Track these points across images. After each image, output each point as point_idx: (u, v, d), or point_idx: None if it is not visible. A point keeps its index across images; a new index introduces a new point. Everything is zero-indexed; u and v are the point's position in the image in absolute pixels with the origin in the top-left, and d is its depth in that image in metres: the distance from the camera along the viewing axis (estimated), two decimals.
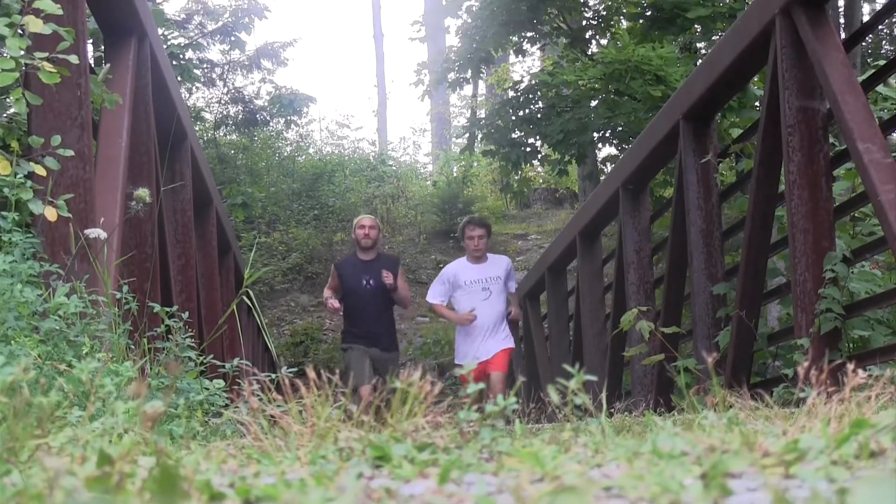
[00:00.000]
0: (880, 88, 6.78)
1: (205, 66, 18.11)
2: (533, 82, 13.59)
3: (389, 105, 33.91)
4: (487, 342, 8.20)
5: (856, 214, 7.15)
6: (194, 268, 7.41)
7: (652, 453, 1.75)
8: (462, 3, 14.84)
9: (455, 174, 21.44)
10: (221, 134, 20.32)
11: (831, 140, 5.90)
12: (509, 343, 8.36)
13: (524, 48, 14.49)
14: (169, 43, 14.92)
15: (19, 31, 3.74)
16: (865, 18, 14.16)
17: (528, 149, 13.68)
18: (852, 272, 5.52)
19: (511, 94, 14.01)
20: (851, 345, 5.98)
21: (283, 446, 2.14)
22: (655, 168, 8.56)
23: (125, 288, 4.00)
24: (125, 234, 5.20)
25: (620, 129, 12.56)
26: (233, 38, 17.33)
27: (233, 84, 19.02)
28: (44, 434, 1.92)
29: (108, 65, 5.20)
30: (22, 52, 3.72)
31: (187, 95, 18.23)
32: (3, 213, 3.81)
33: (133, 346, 3.84)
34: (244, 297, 4.33)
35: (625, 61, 11.93)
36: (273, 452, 2.09)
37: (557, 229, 16.27)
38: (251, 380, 2.60)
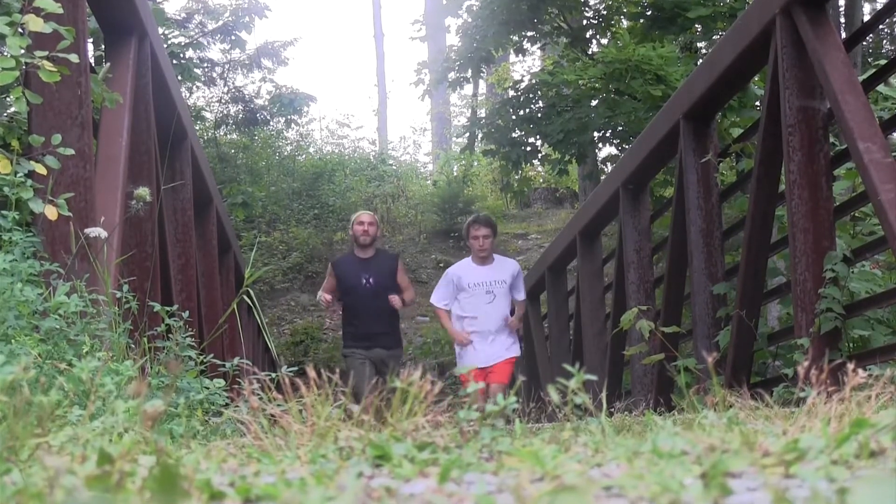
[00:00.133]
0: (881, 88, 6.78)
1: (205, 65, 18.11)
2: (533, 82, 13.59)
3: (390, 104, 33.91)
4: (490, 348, 7.74)
5: (856, 214, 7.15)
6: (194, 267, 7.41)
7: (652, 453, 1.75)
8: (462, 3, 14.84)
9: (455, 173, 21.44)
10: (222, 133, 20.32)
11: (832, 140, 5.90)
12: (514, 351, 7.88)
13: (524, 47, 14.49)
14: (169, 42, 14.92)
15: (20, 29, 3.74)
16: (866, 18, 14.16)
17: (529, 148, 13.68)
18: (852, 272, 5.52)
19: (511, 93, 14.01)
20: (851, 344, 5.98)
21: (284, 445, 2.14)
22: (656, 168, 8.56)
23: (125, 287, 4.00)
24: (125, 233, 5.20)
25: (621, 128, 12.56)
26: (233, 38, 17.32)
27: (233, 83, 19.03)
28: (44, 433, 1.92)
29: (109, 64, 5.20)
30: (22, 51, 3.72)
31: (187, 94, 18.23)
32: (4, 211, 3.81)
33: (133, 345, 3.84)
34: (244, 297, 4.33)
35: (625, 61, 11.93)
36: (273, 451, 2.09)
37: (557, 229, 16.27)
38: (251, 379, 2.60)
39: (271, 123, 20.09)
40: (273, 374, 2.86)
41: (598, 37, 14.30)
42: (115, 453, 1.53)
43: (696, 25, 12.42)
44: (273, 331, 15.95)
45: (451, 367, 13.26)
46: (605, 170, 14.16)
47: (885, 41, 17.89)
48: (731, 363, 6.18)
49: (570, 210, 19.44)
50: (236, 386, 3.23)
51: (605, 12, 14.12)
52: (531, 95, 13.45)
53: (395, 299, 7.97)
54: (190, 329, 4.15)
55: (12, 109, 5.50)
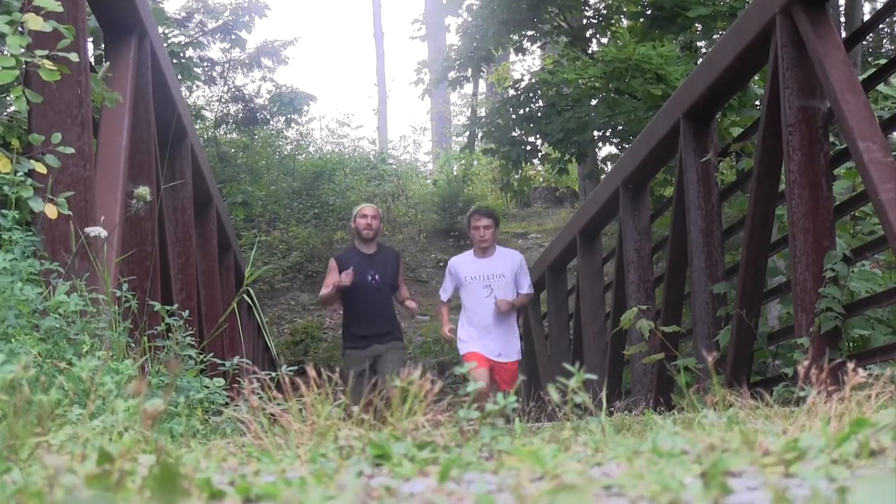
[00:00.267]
0: (881, 87, 6.78)
1: (205, 64, 18.11)
2: (533, 81, 13.59)
3: (390, 103, 33.87)
4: (492, 344, 7.57)
5: (856, 213, 7.15)
6: (194, 266, 7.40)
7: (652, 452, 1.75)
8: (462, 2, 14.84)
9: (455, 173, 21.45)
10: (222, 132, 20.32)
11: (832, 139, 5.90)
12: (515, 354, 7.68)
13: (524, 47, 14.50)
14: (169, 41, 14.92)
15: (20, 28, 3.74)
16: (866, 17, 14.16)
17: (529, 147, 13.69)
18: (852, 271, 5.52)
19: (511, 92, 14.01)
20: (851, 344, 5.98)
21: (284, 444, 2.14)
22: (656, 167, 8.56)
23: (125, 286, 4.00)
24: (125, 232, 5.19)
25: (621, 127, 12.57)
26: (233, 37, 17.32)
27: (233, 82, 19.03)
28: (44, 432, 1.92)
29: (109, 63, 5.20)
30: (22, 50, 3.72)
31: (188, 94, 18.23)
32: (4, 210, 3.81)
33: (133, 345, 3.84)
34: (244, 296, 4.33)
35: (625, 60, 11.93)
36: (273, 451, 2.09)
37: (557, 228, 16.27)
38: (251, 378, 2.60)
39: (271, 123, 20.09)
40: (273, 374, 2.86)
41: (598, 36, 14.31)
42: (114, 452, 1.53)
43: (696, 25, 12.42)
44: (273, 330, 15.95)
45: (451, 367, 13.27)
46: (605, 169, 14.16)
47: (885, 40, 17.89)
48: (731, 362, 6.18)
49: (570, 209, 19.44)
50: (236, 385, 3.23)
51: (605, 11, 14.13)
52: (531, 94, 13.46)
53: (412, 307, 7.89)
54: (190, 328, 4.15)
55: (12, 108, 5.50)
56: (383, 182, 20.81)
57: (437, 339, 15.26)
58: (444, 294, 7.90)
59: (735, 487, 1.44)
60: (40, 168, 3.93)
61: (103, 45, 6.08)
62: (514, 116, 13.49)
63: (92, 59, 6.39)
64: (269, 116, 19.30)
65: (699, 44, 13.06)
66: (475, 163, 21.38)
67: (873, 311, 6.06)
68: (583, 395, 2.04)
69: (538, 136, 13.37)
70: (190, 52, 16.63)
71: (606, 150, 14.39)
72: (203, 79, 18.03)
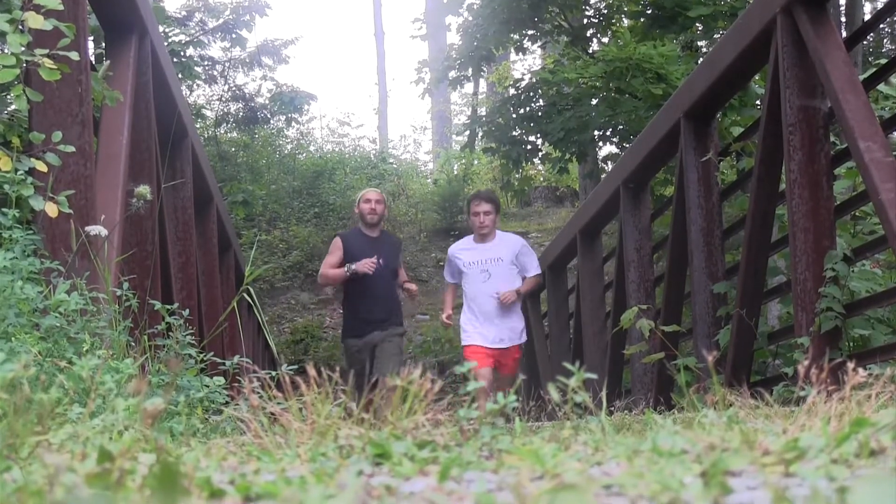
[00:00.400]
0: (881, 87, 6.78)
1: (206, 63, 18.11)
2: (534, 80, 13.59)
3: (390, 103, 33.85)
4: (493, 330, 7.49)
5: (856, 213, 7.15)
6: (195, 265, 7.40)
7: (652, 451, 1.75)
8: (463, 1, 14.85)
9: (456, 172, 21.45)
10: (222, 131, 20.33)
11: (832, 139, 5.90)
12: (519, 338, 7.60)
13: (525, 46, 14.50)
14: (170, 40, 14.92)
15: (20, 27, 3.74)
16: (867, 17, 14.16)
17: (529, 147, 13.69)
18: (853, 271, 5.52)
19: (512, 91, 14.01)
20: (852, 343, 5.98)
21: (284, 444, 2.14)
22: (656, 166, 8.56)
23: (125, 285, 4.00)
24: (126, 231, 5.19)
25: (621, 127, 12.56)
26: (234, 36, 17.32)
27: (234, 81, 19.03)
28: (44, 430, 1.92)
29: (109, 61, 5.20)
30: (23, 49, 3.72)
31: (188, 93, 18.23)
32: (4, 209, 3.81)
33: (133, 344, 3.84)
34: (245, 295, 4.33)
35: (626, 59, 11.93)
36: (273, 450, 2.09)
37: (558, 227, 16.26)
38: (251, 377, 2.60)
39: (272, 122, 20.10)
40: (273, 373, 2.86)
41: (598, 35, 14.30)
42: (115, 451, 1.53)
43: (697, 24, 12.42)
44: (273, 329, 15.95)
45: (451, 366, 13.26)
46: (606, 168, 14.16)
47: (885, 40, 17.88)
48: (731, 362, 6.18)
49: (570, 209, 19.44)
50: (236, 384, 3.23)
51: (605, 11, 14.13)
52: (532, 94, 13.45)
53: (412, 289, 7.79)
54: (190, 327, 4.15)
55: (13, 107, 5.50)
56: (384, 181, 20.81)
57: (437, 339, 15.26)
58: (450, 277, 7.81)
59: (735, 487, 1.44)
60: (41, 166, 3.93)
61: (104, 44, 6.08)
62: (514, 116, 13.49)
63: (92, 58, 6.39)
64: (269, 115, 19.30)
65: (700, 43, 13.06)
66: (475, 162, 21.39)
67: (873, 310, 6.06)
68: (583, 395, 2.04)
69: (539, 135, 13.37)
70: (190, 51, 16.64)
71: (607, 149, 14.39)
72: (203, 78, 18.03)
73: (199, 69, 16.81)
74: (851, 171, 6.53)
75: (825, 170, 5.46)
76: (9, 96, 5.50)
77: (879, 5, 17.37)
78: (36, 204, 3.89)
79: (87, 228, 4.10)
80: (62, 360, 3.10)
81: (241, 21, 17.15)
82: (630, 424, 3.95)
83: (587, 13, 14.12)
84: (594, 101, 12.83)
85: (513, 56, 19.01)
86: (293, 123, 20.98)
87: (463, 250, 7.72)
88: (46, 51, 3.75)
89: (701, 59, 11.05)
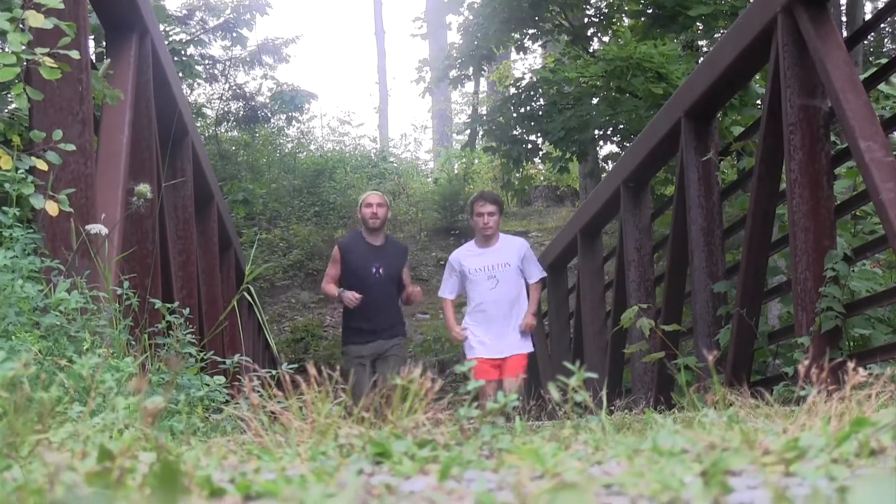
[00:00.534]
0: (882, 87, 6.77)
1: (206, 62, 18.12)
2: (534, 79, 13.59)
3: (391, 102, 33.89)
4: (499, 341, 7.18)
5: (857, 213, 7.15)
6: (195, 264, 7.40)
7: (652, 451, 1.75)
8: (464, 0, 14.85)
9: (456, 171, 21.45)
10: (223, 130, 20.33)
11: (833, 138, 5.90)
12: (526, 347, 7.26)
13: (526, 45, 14.50)
14: (170, 39, 14.91)
15: (21, 26, 3.74)
16: (867, 17, 14.15)
17: (530, 146, 13.69)
18: (853, 270, 5.52)
19: (512, 91, 14.01)
20: (852, 343, 5.98)
21: (284, 442, 2.14)
22: (657, 166, 8.56)
23: (126, 284, 4.00)
24: (126, 229, 5.19)
25: (622, 126, 12.56)
26: (234, 35, 17.32)
27: (234, 80, 19.03)
28: (44, 429, 1.92)
29: (110, 60, 5.20)
30: (23, 48, 3.72)
31: (189, 91, 18.23)
32: (4, 208, 3.81)
33: (134, 342, 3.84)
34: (245, 294, 4.33)
35: (626, 59, 11.93)
36: (273, 449, 2.09)
37: (558, 227, 16.27)
38: (252, 376, 2.60)
39: (272, 121, 20.10)
40: (273, 372, 2.86)
41: (599, 35, 14.30)
42: (115, 450, 1.53)
43: (698, 24, 12.42)
44: (273, 328, 15.95)
45: (451, 365, 13.26)
46: (606, 168, 14.16)
47: (886, 40, 17.88)
48: (731, 361, 6.18)
49: (570, 208, 19.44)
50: (237, 383, 3.23)
51: (606, 10, 14.13)
52: (532, 93, 13.46)
53: (415, 293, 7.58)
54: (190, 326, 4.15)
55: (13, 106, 5.50)
56: (384, 180, 20.81)
57: (437, 338, 15.26)
58: (448, 293, 7.43)
59: (735, 486, 1.44)
60: (41, 165, 3.93)
61: (104, 43, 6.08)
62: (515, 115, 13.49)
63: (93, 57, 6.39)
64: (270, 114, 19.30)
65: (700, 43, 13.05)
66: (476, 161, 21.38)
67: (874, 310, 6.06)
68: (583, 394, 2.04)
69: (539, 134, 13.37)
70: (191, 50, 16.64)
71: (607, 148, 14.41)
72: (204, 76, 18.04)
73: (199, 68, 16.81)
74: (852, 170, 6.53)
75: (825, 169, 5.46)
76: (9, 95, 5.50)
77: (880, 5, 17.36)
78: (36, 202, 3.89)
79: (88, 227, 4.10)
80: (62, 359, 3.10)
81: (242, 20, 17.15)
82: (630, 424, 3.95)
83: (588, 12, 14.12)
84: (595, 101, 12.83)
85: (513, 55, 19.00)
86: (294, 122, 20.99)
87: (468, 256, 7.37)
88: (47, 49, 3.75)
89: (701, 59, 11.05)
